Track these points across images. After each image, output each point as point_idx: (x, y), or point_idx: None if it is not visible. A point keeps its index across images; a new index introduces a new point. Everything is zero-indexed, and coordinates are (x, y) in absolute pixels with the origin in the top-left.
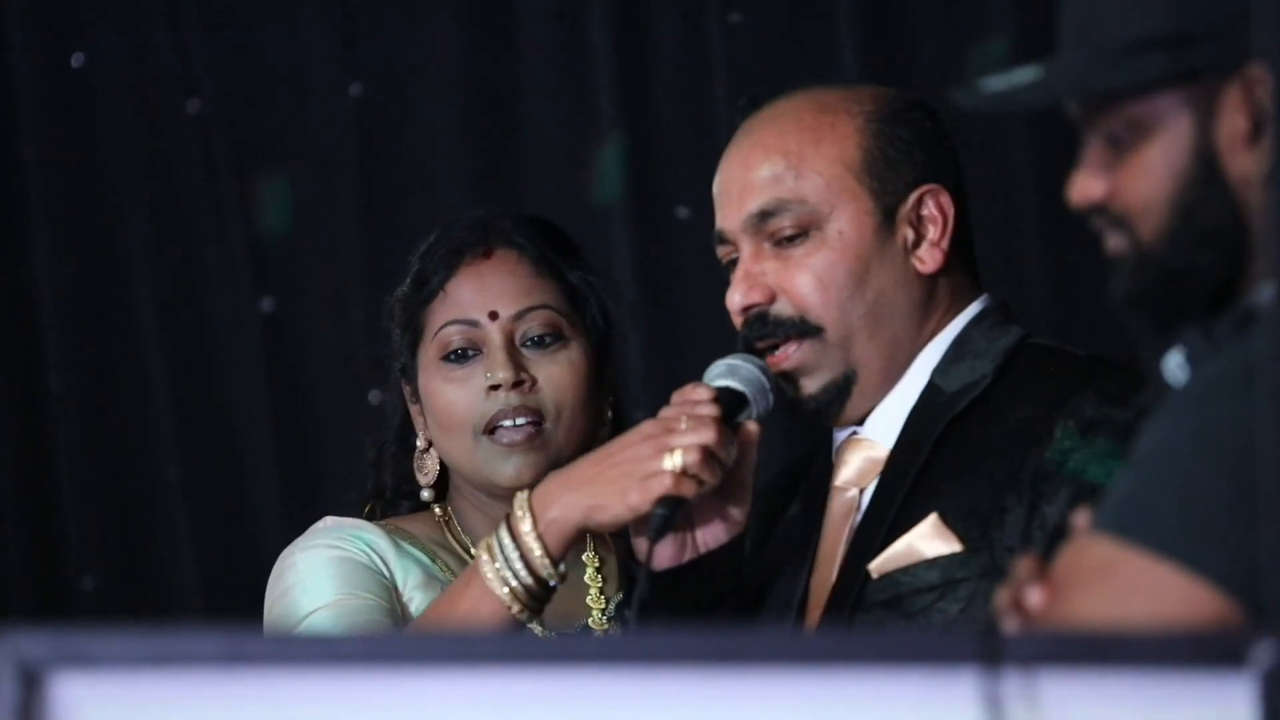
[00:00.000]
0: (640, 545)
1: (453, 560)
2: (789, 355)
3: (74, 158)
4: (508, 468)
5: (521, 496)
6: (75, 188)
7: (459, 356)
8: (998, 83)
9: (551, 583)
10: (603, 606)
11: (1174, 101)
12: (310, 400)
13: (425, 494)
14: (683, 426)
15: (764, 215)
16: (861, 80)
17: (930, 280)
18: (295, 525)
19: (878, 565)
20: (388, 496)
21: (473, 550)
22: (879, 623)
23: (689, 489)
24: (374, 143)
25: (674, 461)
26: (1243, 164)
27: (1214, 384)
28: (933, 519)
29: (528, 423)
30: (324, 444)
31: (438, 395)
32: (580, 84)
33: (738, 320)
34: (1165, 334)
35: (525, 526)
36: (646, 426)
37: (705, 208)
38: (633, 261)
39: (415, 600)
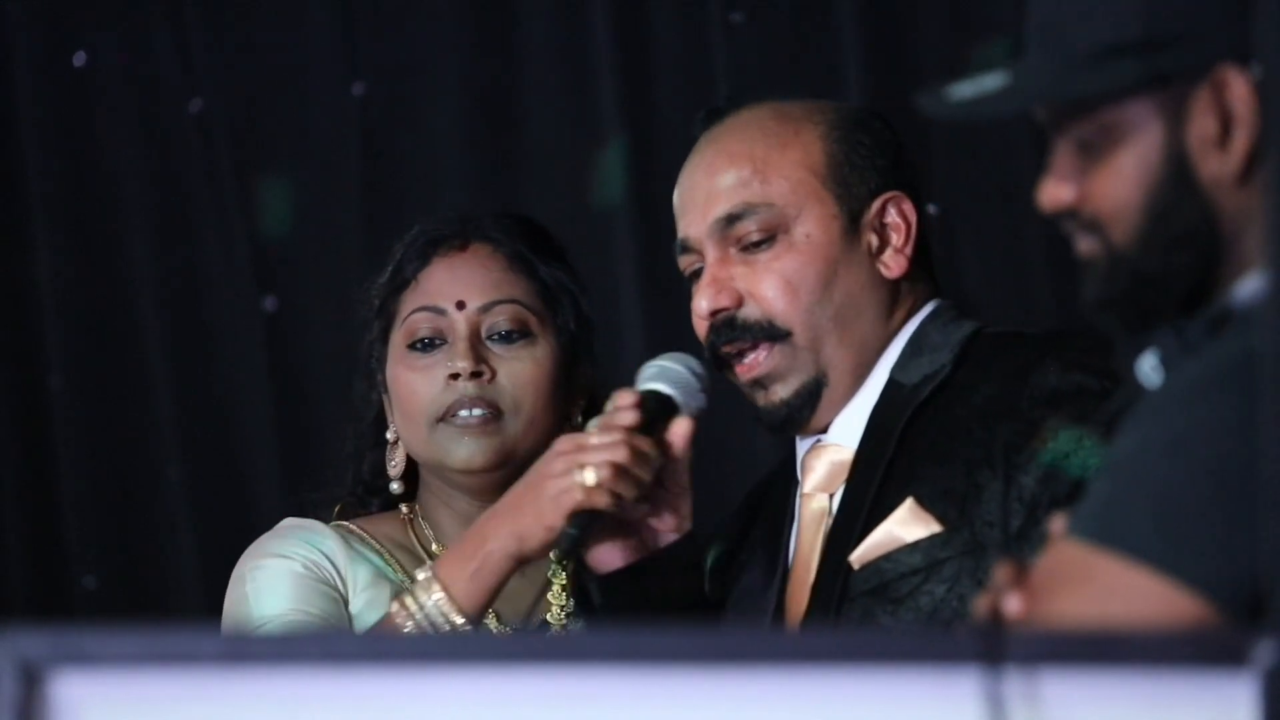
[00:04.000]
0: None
1: (409, 560)
2: (759, 362)
3: (75, 157)
4: (461, 449)
5: (426, 572)
6: (76, 187)
7: (424, 345)
8: (966, 89)
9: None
10: (563, 603)
11: (1145, 106)
12: (312, 399)
13: (395, 486)
14: (594, 441)
15: (730, 220)
16: (863, 80)
17: (894, 285)
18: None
19: (858, 556)
20: (359, 493)
21: (434, 547)
22: (866, 611)
23: (601, 499)
24: (376, 142)
25: (584, 477)
26: (1213, 166)
27: (1189, 387)
28: (909, 503)
29: (484, 412)
30: (326, 443)
31: (401, 383)
32: (582, 84)
33: (702, 326)
34: (1138, 337)
35: (434, 596)
36: (560, 443)
37: None
38: (634, 262)
39: (361, 600)
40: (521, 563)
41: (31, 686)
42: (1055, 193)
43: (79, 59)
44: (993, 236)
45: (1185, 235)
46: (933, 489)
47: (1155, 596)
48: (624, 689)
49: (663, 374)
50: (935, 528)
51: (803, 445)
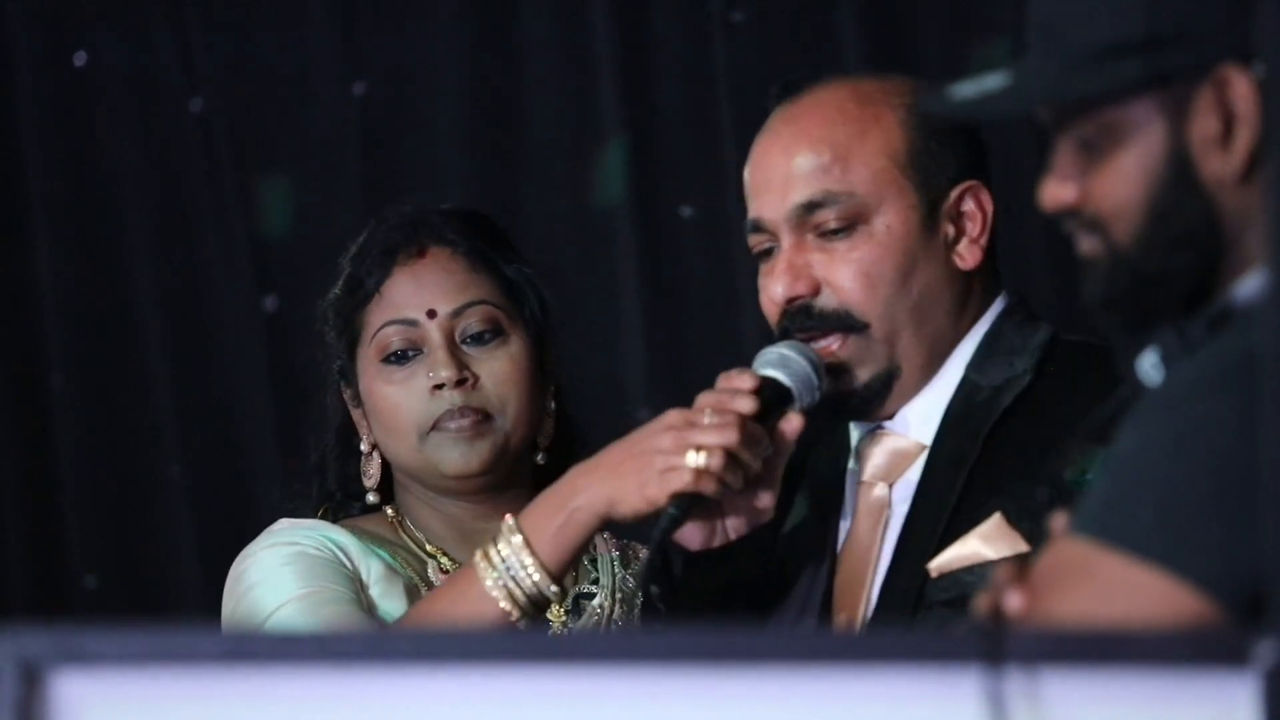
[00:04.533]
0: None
1: (411, 558)
2: (833, 349)
3: (75, 157)
4: (455, 455)
5: (510, 521)
6: (76, 187)
7: (399, 358)
8: (968, 89)
9: (552, 597)
10: (560, 599)
11: (1146, 105)
12: (312, 399)
13: (371, 497)
14: (707, 421)
15: (810, 207)
16: None
17: (967, 277)
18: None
19: (939, 565)
20: (338, 498)
21: (428, 547)
22: (942, 620)
23: (708, 486)
24: (376, 142)
25: (695, 459)
26: (1215, 166)
27: (1190, 384)
28: (997, 519)
29: (473, 420)
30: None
31: (380, 397)
32: (583, 83)
33: (774, 310)
34: (1139, 336)
35: (515, 543)
36: (671, 416)
37: (709, 207)
38: (636, 262)
39: (375, 592)
40: (603, 525)
41: (31, 686)
42: (1057, 192)
43: (79, 59)
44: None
45: (1187, 235)
46: (1019, 506)
47: (1157, 594)
48: (624, 689)
49: (783, 362)
50: (1021, 546)
51: (858, 429)
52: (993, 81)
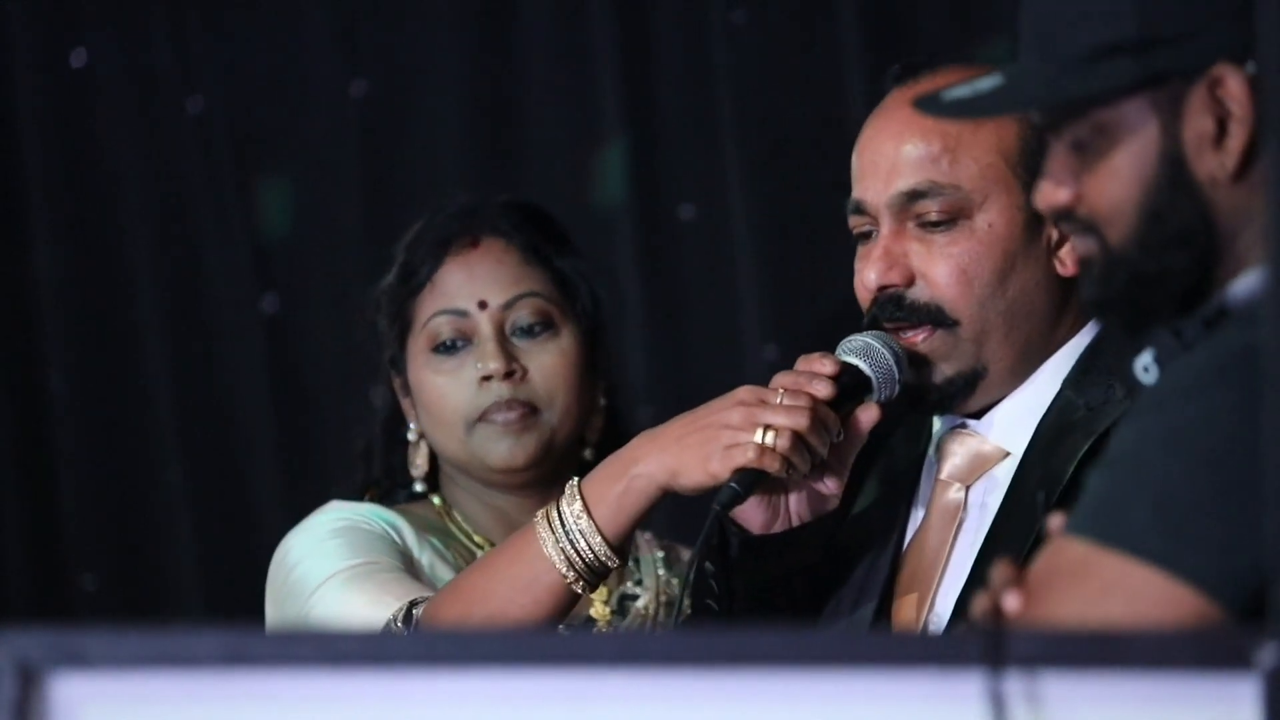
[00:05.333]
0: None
1: (459, 547)
2: (920, 340)
3: (74, 157)
4: (501, 448)
5: (572, 484)
6: (76, 187)
7: (448, 348)
8: (962, 91)
9: (610, 564)
10: (605, 598)
11: (1140, 106)
12: (312, 399)
13: (418, 486)
14: (779, 401)
15: (913, 196)
16: (863, 80)
17: (1068, 284)
18: (296, 524)
19: None
20: (384, 487)
21: (476, 537)
22: None
23: (772, 464)
24: (376, 142)
25: (763, 437)
26: (1209, 165)
27: (1184, 383)
28: None
29: (520, 413)
30: (326, 443)
31: (429, 387)
32: (583, 83)
33: (865, 297)
34: (1136, 335)
35: (575, 509)
36: (742, 392)
37: (709, 207)
38: (636, 261)
39: (428, 580)
40: (664, 495)
41: (29, 687)
42: (1052, 194)
43: (78, 58)
44: None
45: (1181, 234)
46: None
47: (1155, 592)
48: (624, 689)
49: (866, 352)
50: None
51: (941, 424)
52: (986, 83)
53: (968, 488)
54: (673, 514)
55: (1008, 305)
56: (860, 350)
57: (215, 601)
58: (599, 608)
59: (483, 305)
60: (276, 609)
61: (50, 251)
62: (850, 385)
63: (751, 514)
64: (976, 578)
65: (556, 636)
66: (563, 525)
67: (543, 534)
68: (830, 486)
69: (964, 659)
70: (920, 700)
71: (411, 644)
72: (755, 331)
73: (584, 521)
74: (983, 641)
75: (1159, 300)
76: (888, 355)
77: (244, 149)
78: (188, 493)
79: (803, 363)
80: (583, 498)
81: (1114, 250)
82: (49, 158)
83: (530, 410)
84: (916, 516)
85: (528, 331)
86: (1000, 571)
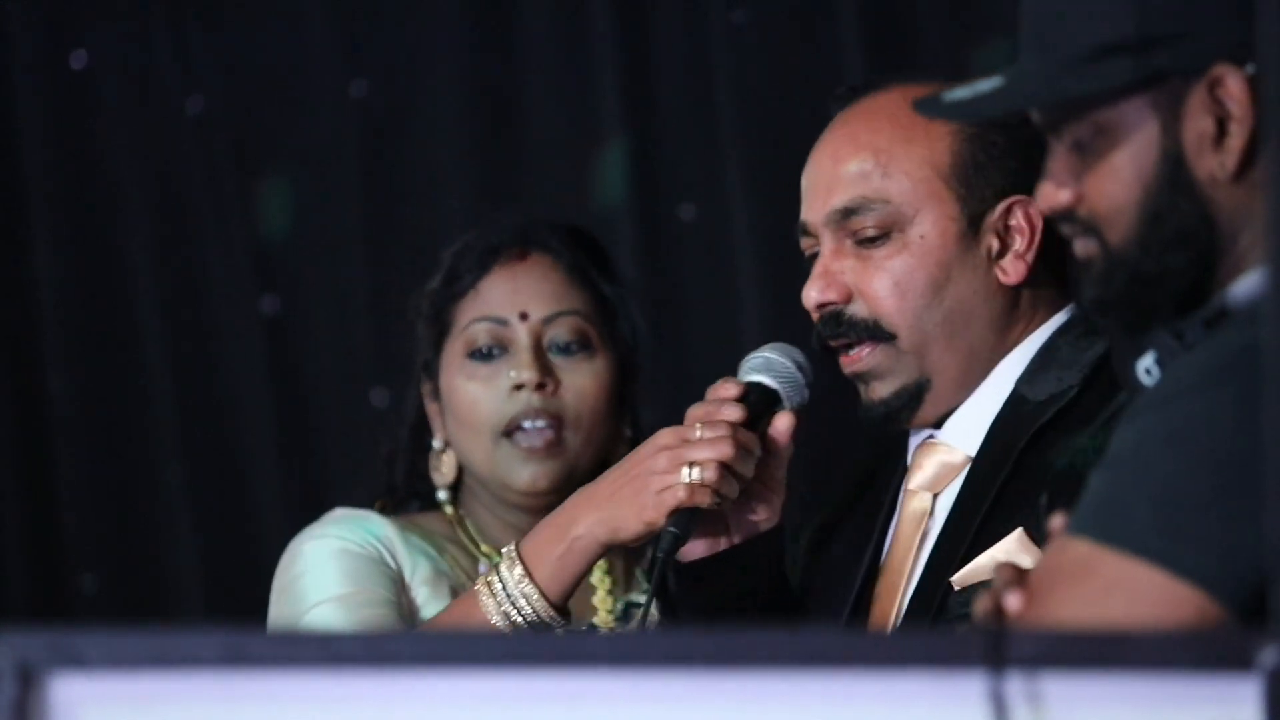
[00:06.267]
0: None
1: (463, 557)
2: (860, 357)
3: (74, 157)
4: (525, 472)
5: (510, 549)
6: (76, 187)
7: (484, 354)
8: (961, 92)
9: (555, 623)
10: (610, 606)
11: (1139, 106)
12: (312, 400)
13: (441, 494)
14: (698, 435)
15: (847, 212)
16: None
17: (1013, 291)
18: (297, 525)
19: (960, 578)
20: (399, 495)
21: (483, 546)
22: None
23: (704, 499)
24: (376, 143)
25: (690, 475)
26: (1209, 165)
27: (1185, 382)
28: (1018, 534)
29: (547, 426)
30: (326, 444)
31: (460, 392)
32: (583, 83)
33: (815, 315)
34: (1136, 336)
35: (516, 574)
36: (663, 437)
37: (709, 208)
38: (636, 262)
39: (421, 595)
40: (605, 551)
41: (28, 687)
42: (1052, 194)
43: (78, 59)
44: None
45: (1182, 234)
46: (1041, 521)
47: (1156, 591)
48: (624, 689)
49: (767, 366)
50: None
51: (915, 437)
52: (986, 84)
53: (935, 496)
54: None
55: (945, 315)
56: (761, 366)
57: (215, 601)
58: (603, 615)
59: (524, 316)
60: (276, 605)
61: (50, 252)
62: (759, 402)
63: (691, 547)
64: (925, 579)
65: (555, 638)
66: (504, 590)
67: (485, 600)
68: (763, 507)
69: (964, 659)
70: (920, 700)
71: (411, 644)
72: (755, 331)
73: (526, 585)
74: (983, 641)
75: (1159, 300)
76: (789, 364)
77: (244, 149)
78: (188, 493)
79: (710, 391)
80: (523, 562)
81: (1114, 250)
82: (49, 158)
83: (557, 426)
84: (892, 533)
85: (564, 349)
86: (1002, 571)
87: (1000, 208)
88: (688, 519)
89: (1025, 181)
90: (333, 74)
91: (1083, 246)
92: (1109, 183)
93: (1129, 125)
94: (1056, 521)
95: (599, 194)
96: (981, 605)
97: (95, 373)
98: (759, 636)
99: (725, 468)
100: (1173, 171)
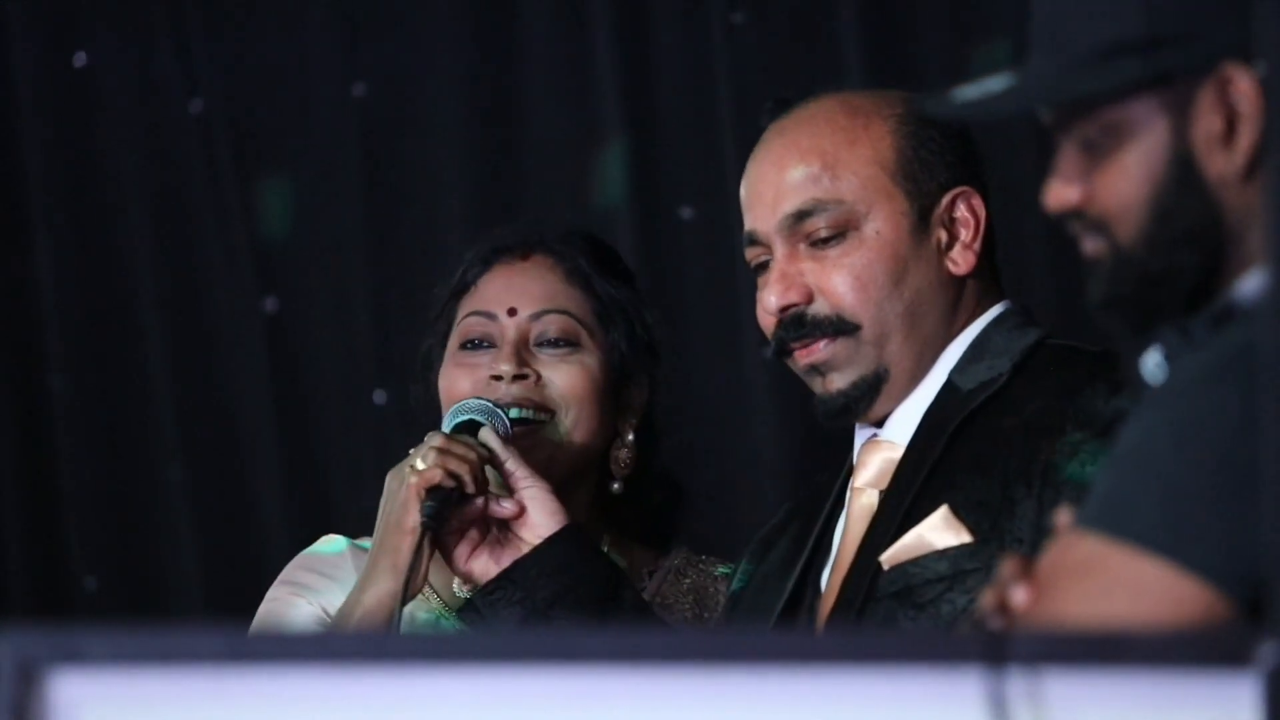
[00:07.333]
0: (460, 568)
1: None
2: (818, 349)
3: (75, 157)
4: None
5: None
6: (76, 187)
7: (473, 346)
8: (970, 91)
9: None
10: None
11: (1149, 105)
12: (312, 400)
13: None
14: (412, 451)
15: (800, 216)
16: (866, 80)
17: (960, 282)
18: (297, 525)
19: (889, 556)
20: None
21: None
22: (889, 613)
23: (437, 475)
24: (377, 143)
25: (414, 463)
26: (1219, 164)
27: (1192, 378)
28: (943, 510)
29: (528, 415)
30: (326, 444)
31: (446, 379)
32: (583, 84)
33: (769, 321)
34: (1143, 335)
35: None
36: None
37: (709, 208)
38: (636, 262)
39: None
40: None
41: (29, 686)
42: (1061, 193)
43: (79, 59)
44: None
45: (1190, 233)
46: (968, 498)
47: (1163, 586)
48: (624, 689)
49: (459, 412)
50: (966, 538)
51: (860, 437)
52: (995, 83)
53: (881, 492)
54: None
55: (905, 306)
56: (452, 415)
57: (215, 601)
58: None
59: (511, 312)
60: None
61: (50, 252)
62: (464, 429)
63: (476, 563)
64: (855, 564)
65: (557, 635)
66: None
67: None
68: (535, 506)
69: (964, 658)
70: (920, 700)
71: (411, 644)
72: (755, 331)
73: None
74: (983, 641)
75: (1167, 299)
76: (478, 401)
77: (244, 149)
78: (188, 493)
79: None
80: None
81: (1123, 250)
82: (50, 158)
83: (537, 412)
84: (842, 527)
85: (551, 344)
86: (1008, 566)
87: (945, 200)
88: (438, 496)
89: (965, 174)
90: (333, 74)
91: (1091, 245)
92: (1119, 181)
93: (1139, 124)
94: (1063, 517)
95: (599, 194)
96: (987, 600)
97: (95, 373)
98: (758, 635)
99: (443, 451)
100: (1182, 170)
